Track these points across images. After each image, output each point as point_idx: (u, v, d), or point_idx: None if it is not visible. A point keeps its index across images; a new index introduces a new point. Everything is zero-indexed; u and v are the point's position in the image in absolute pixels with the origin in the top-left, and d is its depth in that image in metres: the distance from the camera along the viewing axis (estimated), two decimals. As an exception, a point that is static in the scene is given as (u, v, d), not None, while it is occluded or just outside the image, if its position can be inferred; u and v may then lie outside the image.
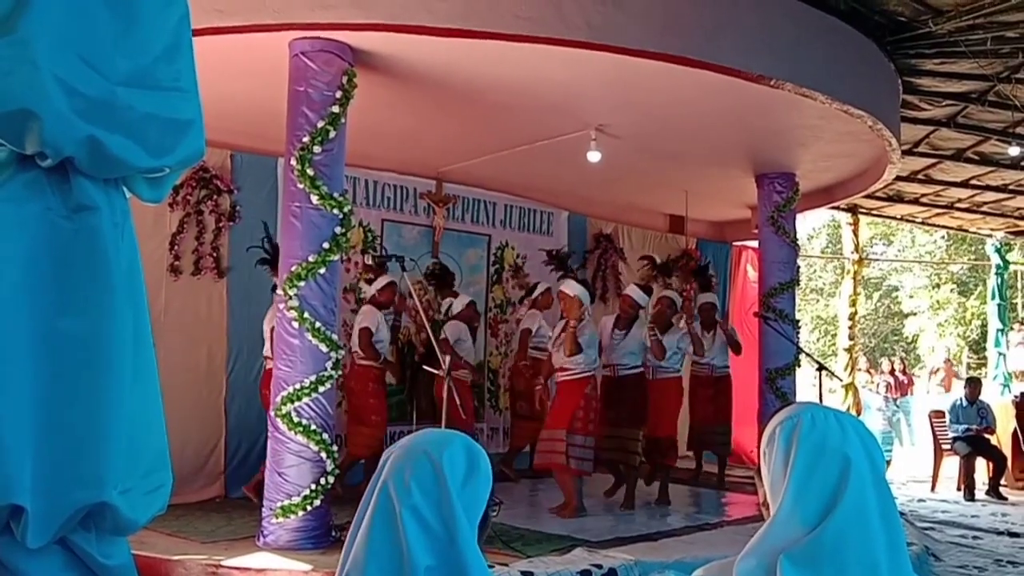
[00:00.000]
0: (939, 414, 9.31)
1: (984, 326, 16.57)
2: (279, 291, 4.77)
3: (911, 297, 23.06)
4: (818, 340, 24.03)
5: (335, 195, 4.69)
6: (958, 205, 10.95)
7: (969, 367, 18.01)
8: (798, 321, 7.71)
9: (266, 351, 5.71)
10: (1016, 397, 9.70)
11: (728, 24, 5.12)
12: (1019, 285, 15.45)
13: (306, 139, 4.66)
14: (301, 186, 4.66)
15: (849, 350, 11.92)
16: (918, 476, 9.78)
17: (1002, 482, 8.74)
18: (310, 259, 4.63)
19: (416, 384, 7.15)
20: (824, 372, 6.30)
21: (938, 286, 22.18)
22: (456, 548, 1.30)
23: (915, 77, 7.09)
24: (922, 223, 12.62)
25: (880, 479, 1.34)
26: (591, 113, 6.00)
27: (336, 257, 4.74)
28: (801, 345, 7.58)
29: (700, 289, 7.67)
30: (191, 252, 6.18)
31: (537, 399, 6.27)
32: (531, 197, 8.36)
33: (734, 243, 10.15)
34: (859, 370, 12.27)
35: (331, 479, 4.66)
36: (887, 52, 6.33)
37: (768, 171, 7.47)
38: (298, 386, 4.60)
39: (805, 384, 8.47)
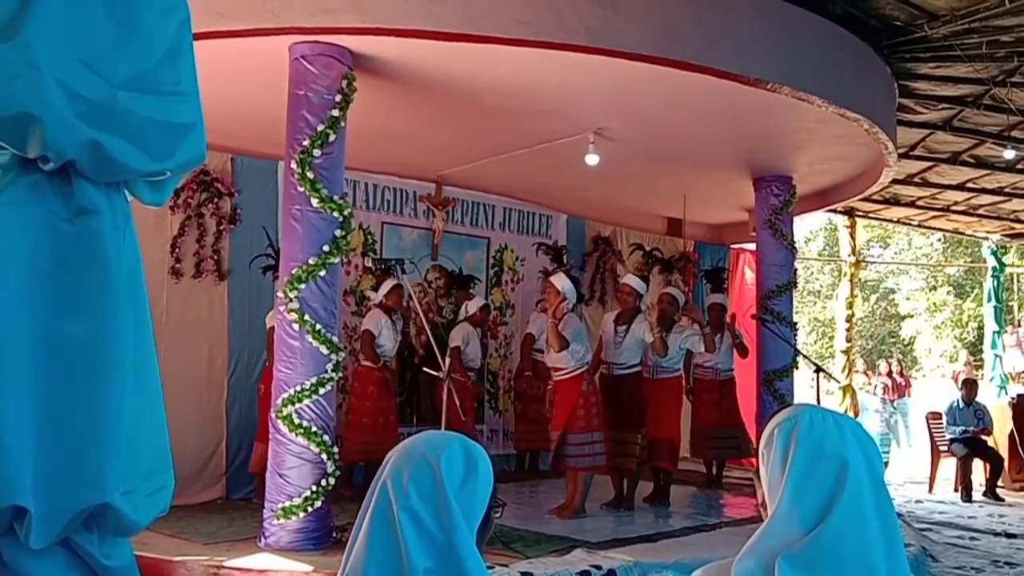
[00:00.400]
0: (936, 416, 9.31)
1: (980, 328, 16.61)
2: (279, 293, 4.78)
3: (908, 299, 23.12)
4: (815, 342, 24.08)
5: (335, 198, 4.70)
6: (954, 208, 10.97)
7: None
8: (796, 323, 7.71)
9: None
10: (1012, 399, 9.71)
11: (726, 28, 5.13)
12: (1015, 287, 15.47)
13: (306, 142, 4.67)
14: (301, 189, 4.67)
15: (846, 352, 11.93)
16: (915, 477, 9.78)
17: (999, 483, 8.74)
18: (310, 262, 4.64)
19: (416, 387, 7.16)
20: (822, 374, 6.30)
21: (934, 288, 22.23)
22: (454, 550, 1.30)
23: (911, 81, 7.11)
24: (918, 226, 12.65)
25: (878, 481, 1.34)
26: (589, 117, 6.01)
27: (336, 260, 4.75)
28: (799, 347, 7.59)
29: (712, 290, 7.66)
30: (192, 255, 6.20)
31: (548, 400, 6.24)
32: (530, 200, 8.37)
33: (732, 246, 10.17)
34: (856, 372, 12.27)
35: (332, 480, 4.67)
36: (883, 56, 6.34)
37: (765, 174, 7.48)
38: (299, 388, 4.61)
39: (803, 386, 8.47)
